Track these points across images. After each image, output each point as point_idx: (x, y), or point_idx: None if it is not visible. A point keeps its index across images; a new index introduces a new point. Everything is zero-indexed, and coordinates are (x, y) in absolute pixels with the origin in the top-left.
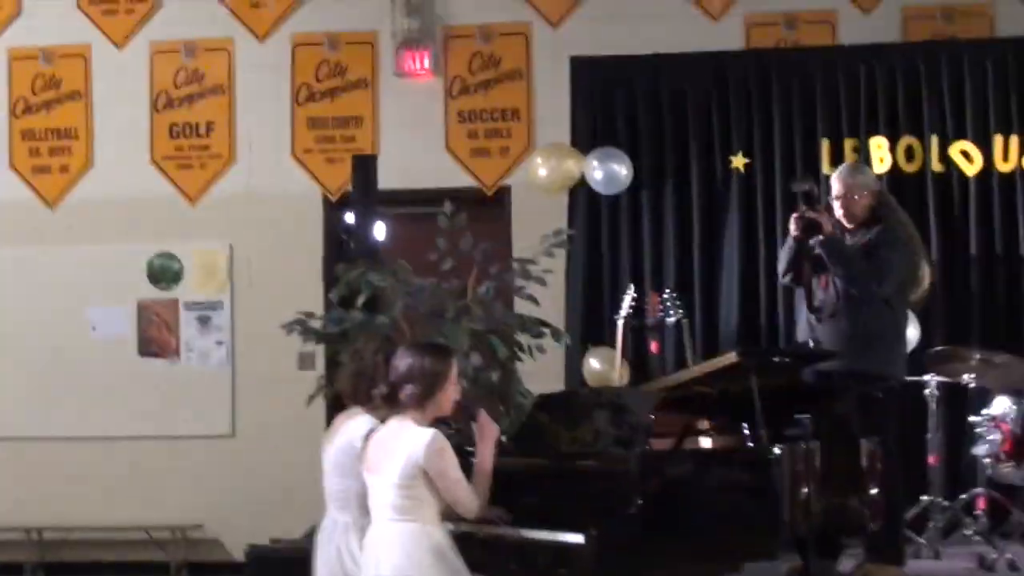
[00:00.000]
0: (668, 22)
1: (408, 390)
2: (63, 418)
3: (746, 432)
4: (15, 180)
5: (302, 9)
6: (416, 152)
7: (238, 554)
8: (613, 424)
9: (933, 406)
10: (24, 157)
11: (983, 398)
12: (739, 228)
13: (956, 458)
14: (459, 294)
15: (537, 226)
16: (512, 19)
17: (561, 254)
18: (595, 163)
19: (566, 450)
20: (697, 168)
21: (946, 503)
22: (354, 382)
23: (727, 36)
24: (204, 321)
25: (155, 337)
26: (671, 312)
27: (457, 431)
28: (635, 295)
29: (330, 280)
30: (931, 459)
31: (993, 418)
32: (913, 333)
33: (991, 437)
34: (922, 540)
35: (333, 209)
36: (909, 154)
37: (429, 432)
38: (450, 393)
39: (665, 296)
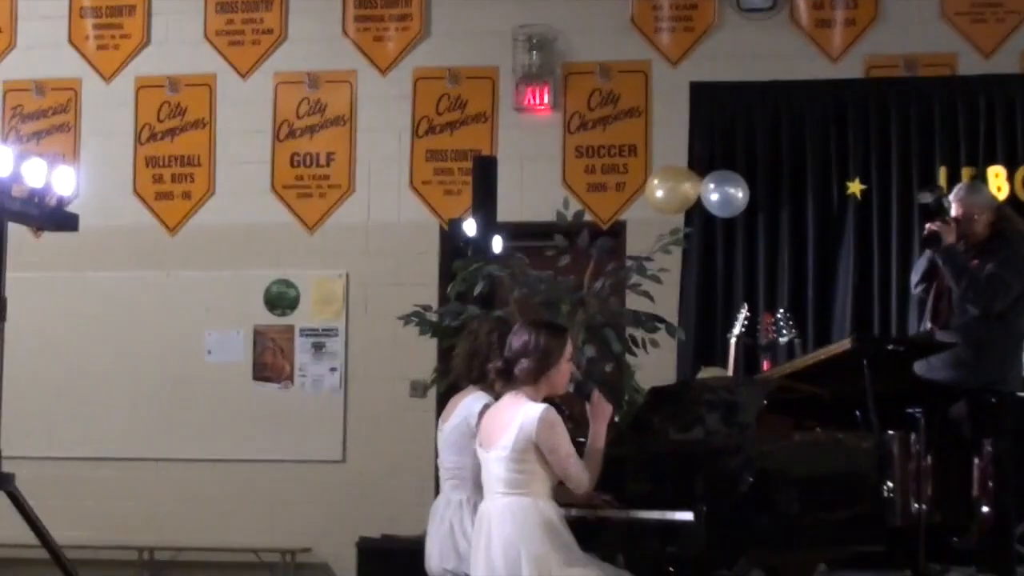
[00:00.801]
0: (788, 61)
1: (523, 365)
2: (176, 440)
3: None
4: (138, 205)
5: (424, 44)
6: (533, 187)
7: None
8: (724, 423)
9: None
10: (147, 183)
11: None
12: (854, 252)
13: None
14: (574, 288)
15: None
16: (632, 57)
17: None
18: (712, 185)
19: (676, 438)
20: (813, 193)
21: None
22: (468, 362)
23: (846, 71)
24: (319, 347)
25: (269, 362)
26: (784, 332)
27: (572, 421)
28: (748, 314)
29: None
30: None
31: None
32: None
33: None
34: None
35: (449, 240)
36: None
37: (542, 406)
38: (564, 370)
39: (779, 316)
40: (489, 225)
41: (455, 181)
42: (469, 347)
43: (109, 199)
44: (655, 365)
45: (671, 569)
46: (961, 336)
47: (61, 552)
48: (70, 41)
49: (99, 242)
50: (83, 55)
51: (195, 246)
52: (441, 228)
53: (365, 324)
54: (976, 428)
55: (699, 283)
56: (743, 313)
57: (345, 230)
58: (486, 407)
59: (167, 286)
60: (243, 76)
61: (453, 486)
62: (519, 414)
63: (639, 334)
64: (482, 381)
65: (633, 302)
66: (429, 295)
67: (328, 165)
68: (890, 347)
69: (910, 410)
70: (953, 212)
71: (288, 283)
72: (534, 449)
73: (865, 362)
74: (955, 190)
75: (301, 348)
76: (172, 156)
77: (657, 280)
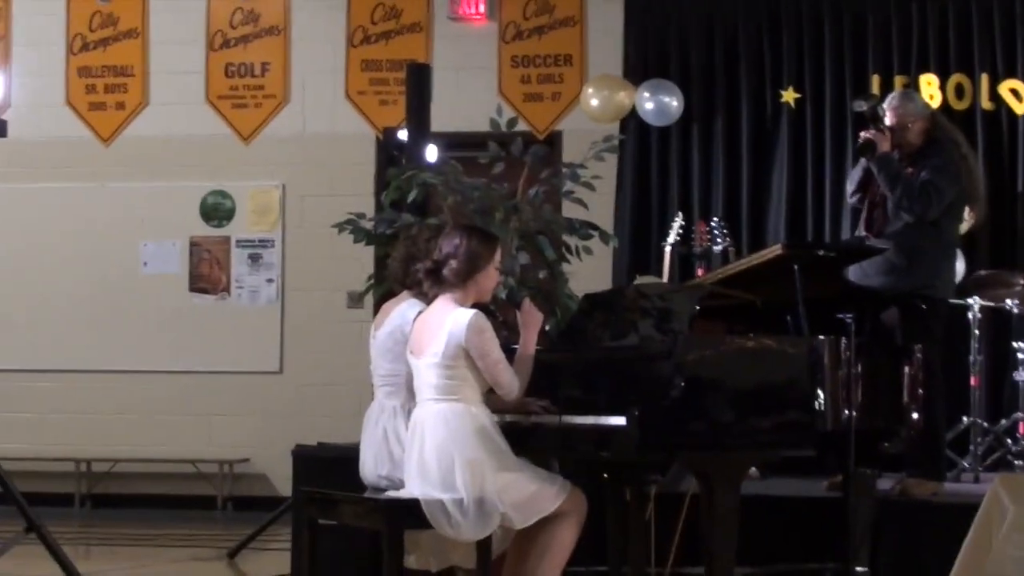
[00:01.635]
0: None
1: (452, 266)
2: (113, 352)
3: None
4: (71, 116)
5: None
6: (468, 96)
7: (284, 489)
8: (657, 329)
9: (976, 330)
10: (80, 94)
11: None
12: (788, 161)
13: (998, 382)
14: (508, 195)
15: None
16: None
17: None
18: (646, 94)
19: (609, 344)
20: (748, 101)
21: (987, 426)
22: (405, 266)
23: None
24: (255, 258)
25: (206, 273)
26: (718, 240)
27: (508, 329)
28: (683, 222)
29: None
30: (973, 381)
31: None
32: (960, 266)
33: None
34: (963, 462)
35: (384, 150)
36: (959, 92)
37: (471, 312)
38: (492, 275)
39: (713, 224)
40: (423, 134)
41: (390, 91)
42: (406, 252)
43: (41, 110)
44: (589, 273)
45: (605, 475)
46: (894, 243)
47: None
48: None
49: (32, 153)
50: None
51: (129, 157)
52: (377, 138)
53: (301, 235)
54: (907, 334)
55: (634, 192)
56: (678, 221)
57: (281, 141)
58: (420, 315)
59: (102, 197)
60: None
61: (387, 393)
62: (448, 320)
63: (573, 242)
64: (418, 287)
65: (568, 210)
66: (366, 205)
67: (263, 75)
68: (820, 252)
69: (841, 316)
70: (887, 121)
71: (224, 194)
72: (464, 355)
73: (796, 268)
74: (888, 99)
75: (237, 259)
76: (105, 66)
77: (591, 187)
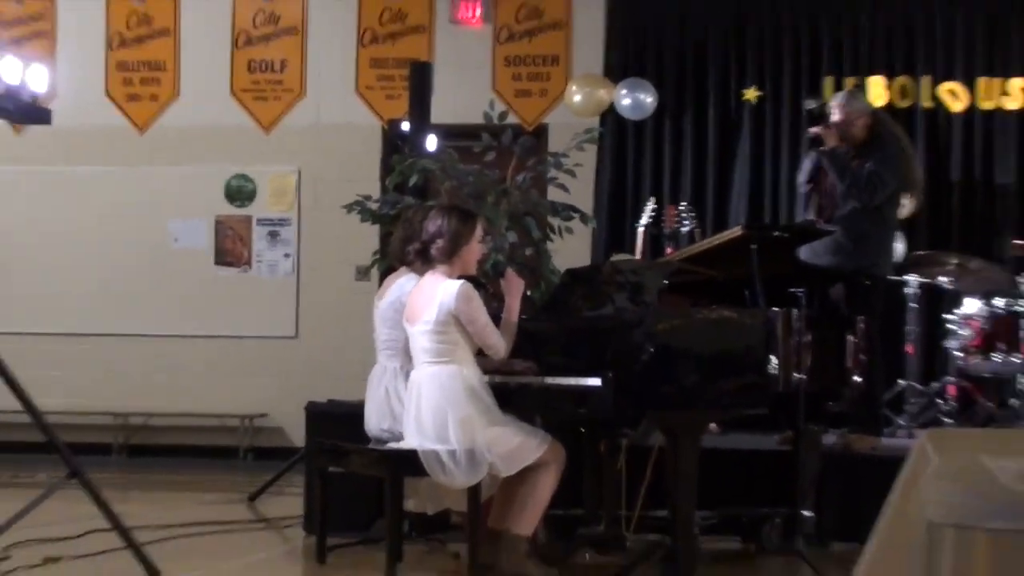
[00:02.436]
0: None
1: (438, 245)
2: (147, 318)
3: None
4: (110, 106)
5: None
6: (465, 92)
7: (298, 441)
8: (630, 301)
9: (912, 304)
10: (118, 86)
11: (957, 299)
12: (749, 152)
13: (931, 350)
14: (499, 181)
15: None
16: None
17: (592, 153)
18: (624, 91)
19: (587, 314)
20: (714, 99)
21: (920, 388)
22: (403, 246)
23: None
24: (274, 235)
25: (230, 248)
26: (686, 222)
27: (496, 299)
28: (655, 206)
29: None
30: (908, 348)
31: (965, 316)
32: (899, 247)
33: (962, 333)
34: (899, 420)
35: (389, 139)
36: (903, 92)
37: (459, 282)
38: (475, 250)
39: (681, 208)
40: (424, 125)
41: (395, 87)
42: (404, 233)
43: (83, 101)
44: (571, 250)
45: (582, 429)
46: (842, 226)
47: (40, 414)
48: None
49: (74, 139)
50: None
51: (162, 144)
52: (383, 129)
53: (315, 215)
54: (851, 307)
55: (611, 179)
56: (650, 205)
57: (297, 130)
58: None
59: (137, 180)
60: None
61: (388, 355)
62: (439, 291)
63: (556, 222)
64: (414, 264)
65: (552, 194)
66: (372, 189)
67: (282, 71)
68: (776, 233)
69: (793, 291)
70: (835, 117)
71: (246, 178)
72: (454, 321)
73: (753, 247)
74: (836, 98)
75: (258, 236)
76: (140, 61)
77: (572, 174)
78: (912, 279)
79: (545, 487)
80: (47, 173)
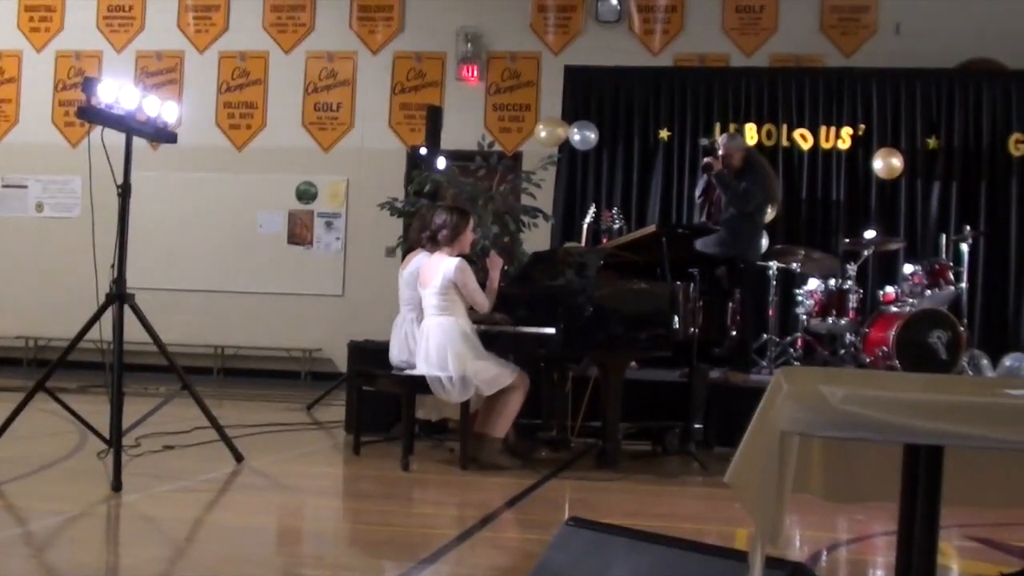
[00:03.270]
0: (626, 53)
1: (443, 233)
2: (240, 281)
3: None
4: (219, 132)
5: (401, 35)
6: (465, 128)
7: (343, 367)
8: (576, 275)
9: (773, 281)
10: (224, 119)
11: (804, 279)
12: (662, 174)
13: (786, 315)
14: (487, 190)
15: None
16: (530, 49)
17: (552, 172)
18: (575, 129)
19: (546, 283)
20: (639, 136)
21: (778, 340)
22: (418, 234)
23: (663, 61)
24: (329, 224)
25: (298, 233)
26: (617, 221)
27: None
28: (595, 211)
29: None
30: (770, 312)
31: (809, 291)
32: (764, 242)
33: (807, 302)
34: (763, 363)
35: (411, 159)
36: (769, 134)
37: (457, 259)
38: (468, 237)
39: (614, 212)
40: (436, 150)
41: (416, 123)
42: (419, 225)
43: (200, 127)
44: (536, 240)
45: (542, 364)
46: (725, 227)
47: (163, 344)
48: (177, 26)
49: (193, 154)
50: (186, 35)
51: (253, 159)
52: (407, 152)
53: (358, 211)
54: (731, 283)
55: (566, 190)
56: (591, 210)
57: (347, 152)
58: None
59: (236, 184)
60: (286, 52)
61: (407, 309)
62: (442, 265)
63: (527, 219)
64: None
65: (524, 200)
66: (398, 193)
67: (338, 110)
68: (680, 231)
69: (690, 271)
70: (720, 151)
71: (311, 184)
72: (453, 286)
73: (664, 240)
74: (721, 137)
75: (318, 225)
76: (240, 101)
77: (538, 186)
78: (773, 264)
79: (515, 403)
80: (174, 178)
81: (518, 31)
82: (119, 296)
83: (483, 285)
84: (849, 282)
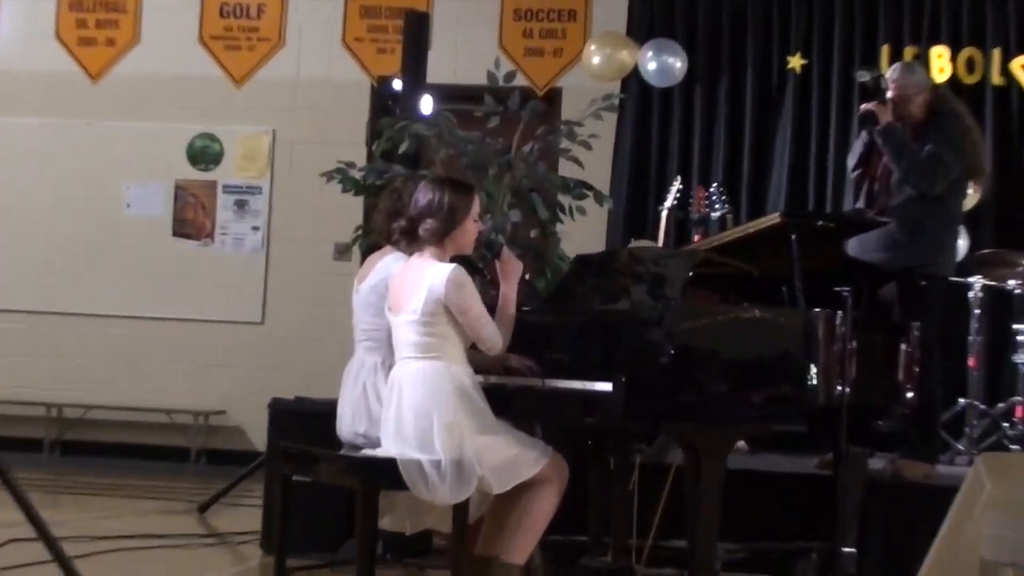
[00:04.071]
0: None
1: (428, 224)
2: (90, 294)
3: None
4: (60, 51)
5: None
6: (467, 48)
7: (260, 444)
8: (649, 295)
9: (976, 309)
10: (71, 28)
11: None
12: (791, 128)
13: (997, 364)
14: (503, 151)
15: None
16: None
17: (611, 123)
18: (650, 54)
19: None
20: (753, 66)
21: (983, 408)
22: (389, 221)
23: None
24: (241, 205)
25: (190, 218)
26: (717, 206)
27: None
28: (681, 187)
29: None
30: (971, 362)
31: None
32: (962, 244)
33: None
34: (958, 445)
35: (379, 99)
36: (970, 66)
37: (450, 267)
38: (470, 230)
39: (712, 190)
40: (419, 84)
41: (388, 39)
42: (390, 207)
43: (30, 42)
44: (583, 234)
45: (589, 442)
46: (896, 217)
47: None
48: None
49: (17, 87)
50: None
51: (117, 96)
52: (371, 87)
53: (290, 183)
54: (905, 311)
55: (632, 153)
56: (676, 185)
57: (273, 85)
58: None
59: (87, 135)
60: None
61: (368, 348)
62: (427, 276)
63: (567, 201)
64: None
65: (563, 169)
66: (357, 155)
67: (258, 17)
68: (819, 223)
69: (838, 289)
70: (889, 93)
71: (212, 137)
72: (444, 311)
73: (793, 237)
74: (891, 71)
75: (223, 205)
76: (97, 1)
77: (587, 146)
78: (976, 281)
79: (543, 508)
80: None
81: None
82: None
83: (493, 309)
84: None
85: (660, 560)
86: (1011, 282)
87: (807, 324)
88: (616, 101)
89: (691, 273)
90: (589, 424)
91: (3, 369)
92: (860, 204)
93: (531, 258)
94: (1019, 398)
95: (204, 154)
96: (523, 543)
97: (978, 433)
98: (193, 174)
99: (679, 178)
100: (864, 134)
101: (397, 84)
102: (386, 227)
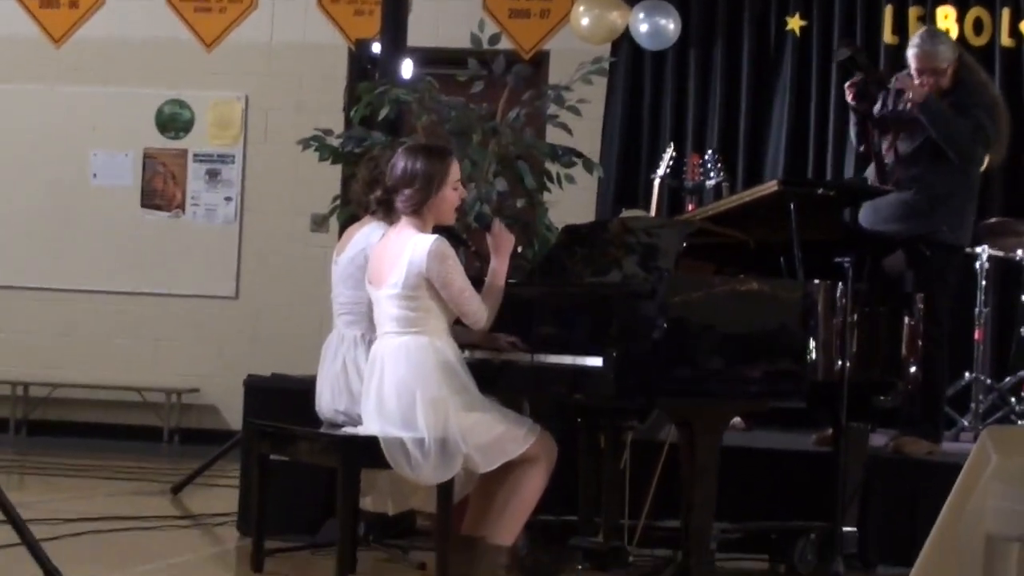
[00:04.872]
0: None
1: (404, 194)
2: (55, 269)
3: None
4: (20, 13)
5: None
6: (449, 9)
7: (235, 422)
8: (641, 266)
9: (983, 281)
10: None
11: None
12: (790, 92)
13: (1005, 338)
14: (487, 117)
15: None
16: None
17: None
18: (641, 15)
19: (588, 280)
20: (750, 28)
21: (990, 383)
22: (368, 190)
23: None
24: (213, 174)
25: (159, 189)
26: (712, 174)
27: (480, 259)
28: (675, 154)
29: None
30: (977, 335)
31: None
32: None
33: None
34: (963, 420)
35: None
36: (977, 26)
37: (431, 238)
38: (449, 197)
39: (707, 158)
40: (399, 47)
41: (366, 1)
42: (369, 175)
43: None
44: (572, 203)
45: (578, 419)
46: (917, 186)
47: None
48: None
49: None
50: None
51: (82, 60)
52: (349, 50)
53: (264, 151)
54: (919, 281)
55: (623, 119)
56: (669, 153)
57: (246, 49)
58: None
59: (50, 101)
60: None
61: (347, 322)
62: (408, 248)
63: (555, 169)
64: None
65: (551, 135)
66: (334, 122)
67: None
68: (819, 191)
69: (838, 260)
70: (914, 66)
71: (182, 104)
72: (426, 284)
73: (792, 206)
74: (913, 41)
75: (194, 175)
76: None
77: (576, 112)
78: (984, 251)
79: (531, 488)
80: None
81: None
82: None
83: (479, 282)
84: None
85: (653, 540)
86: (1019, 252)
87: (806, 296)
88: (606, 65)
89: (685, 244)
90: (579, 400)
91: None
92: (874, 180)
93: (517, 229)
94: None
95: (174, 121)
96: (510, 524)
97: (984, 408)
98: (162, 142)
99: (672, 145)
100: (855, 114)
101: (376, 47)
102: (364, 197)
